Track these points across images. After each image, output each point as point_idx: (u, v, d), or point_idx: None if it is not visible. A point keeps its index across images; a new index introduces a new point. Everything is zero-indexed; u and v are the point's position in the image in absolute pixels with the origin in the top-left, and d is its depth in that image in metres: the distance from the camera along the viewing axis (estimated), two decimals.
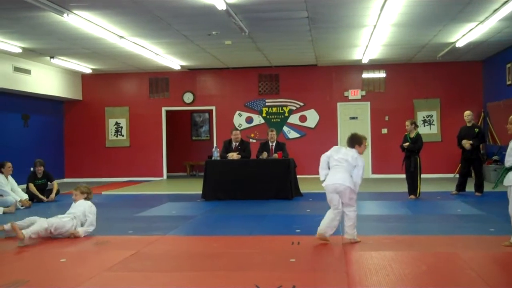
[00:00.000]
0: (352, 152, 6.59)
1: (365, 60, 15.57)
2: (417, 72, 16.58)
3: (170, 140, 18.44)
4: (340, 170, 6.48)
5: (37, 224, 6.86)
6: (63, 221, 7.05)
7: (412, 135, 10.92)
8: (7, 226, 7.01)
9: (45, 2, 8.74)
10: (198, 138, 19.74)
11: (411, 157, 10.87)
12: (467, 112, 11.62)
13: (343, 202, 6.46)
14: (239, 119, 17.29)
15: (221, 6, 9.11)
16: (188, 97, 17.56)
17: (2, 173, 10.86)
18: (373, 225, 7.94)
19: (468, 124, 11.52)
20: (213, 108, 17.58)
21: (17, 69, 14.20)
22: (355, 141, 6.71)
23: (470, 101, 16.03)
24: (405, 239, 6.70)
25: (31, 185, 11.54)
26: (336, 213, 6.48)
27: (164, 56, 14.63)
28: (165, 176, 17.72)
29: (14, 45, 12.51)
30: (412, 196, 10.84)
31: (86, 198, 7.54)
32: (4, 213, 9.86)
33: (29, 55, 13.88)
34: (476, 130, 11.37)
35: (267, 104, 17.25)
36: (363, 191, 12.47)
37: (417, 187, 10.84)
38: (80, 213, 7.27)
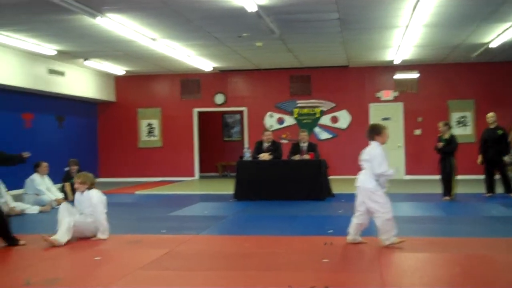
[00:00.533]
0: (369, 148, 6.34)
1: (397, 61, 15.44)
2: (451, 73, 16.37)
3: (202, 141, 18.55)
4: (362, 172, 6.34)
5: (64, 224, 6.83)
6: (87, 222, 7.03)
7: (446, 136, 10.78)
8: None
9: (79, 5, 8.87)
10: (229, 139, 19.81)
11: (446, 158, 10.73)
12: (490, 114, 11.41)
13: (368, 207, 6.24)
14: (270, 120, 17.30)
15: (251, 8, 9.13)
16: (219, 99, 17.64)
17: (38, 172, 11.05)
18: (407, 227, 7.84)
19: (491, 126, 11.32)
20: (245, 109, 17.63)
21: (51, 71, 14.46)
22: (373, 131, 6.44)
23: (505, 102, 15.77)
24: (439, 240, 6.62)
25: (67, 184, 11.72)
26: (359, 218, 6.31)
27: (196, 58, 14.72)
28: (197, 176, 17.83)
29: (49, 48, 12.75)
30: (447, 198, 10.70)
31: (89, 188, 7.21)
32: (40, 212, 10.04)
33: (63, 57, 14.11)
34: (500, 132, 11.14)
35: (298, 105, 17.22)
36: (397, 192, 12.37)
37: (452, 189, 10.69)
38: (93, 207, 7.09)
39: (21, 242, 6.79)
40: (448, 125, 10.98)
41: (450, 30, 11.70)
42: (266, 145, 11.85)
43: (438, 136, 11.01)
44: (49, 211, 10.17)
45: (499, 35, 11.99)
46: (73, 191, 11.61)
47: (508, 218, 8.37)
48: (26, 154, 7.39)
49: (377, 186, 6.19)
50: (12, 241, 6.75)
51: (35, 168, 11.08)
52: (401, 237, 6.29)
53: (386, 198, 6.26)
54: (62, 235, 6.70)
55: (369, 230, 7.53)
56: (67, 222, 6.82)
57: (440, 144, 10.69)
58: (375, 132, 6.40)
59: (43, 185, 10.92)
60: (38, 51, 12.92)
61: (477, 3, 9.59)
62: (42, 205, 10.30)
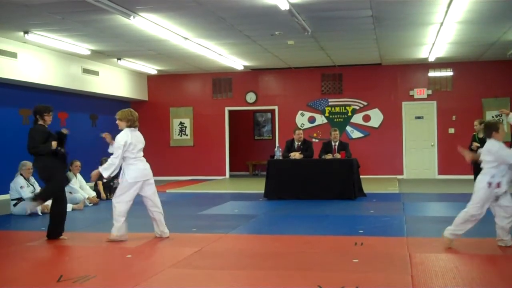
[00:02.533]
0: (487, 146, 6.15)
1: (431, 59, 15.23)
2: (486, 70, 16.08)
3: (233, 140, 18.60)
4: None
5: (115, 215, 6.87)
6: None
7: (481, 135, 10.59)
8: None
9: (113, 5, 8.98)
10: (260, 137, 19.82)
11: None
12: None
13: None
14: (302, 119, 17.25)
15: (284, 6, 9.11)
16: (250, 97, 17.66)
17: (71, 171, 11.20)
18: (440, 227, 7.71)
19: None
20: (276, 108, 17.61)
21: (85, 71, 14.67)
22: (491, 128, 6.23)
23: None
24: (472, 241, 6.49)
25: (99, 183, 11.86)
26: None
27: (227, 57, 14.76)
28: (227, 175, 17.89)
29: (83, 47, 12.93)
30: None
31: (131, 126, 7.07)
32: (73, 209, 10.18)
33: (97, 57, 14.30)
34: None
35: (330, 103, 17.13)
36: (429, 192, 12.23)
37: None
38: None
39: (64, 236, 6.99)
40: (484, 124, 10.78)
41: (485, 27, 11.49)
42: (297, 144, 11.81)
43: (472, 134, 10.83)
44: (82, 209, 10.33)
45: None
46: (105, 189, 11.86)
47: None
48: (65, 131, 7.54)
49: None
50: (55, 235, 6.95)
51: (68, 166, 11.23)
52: (433, 237, 6.18)
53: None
54: (116, 229, 6.82)
55: (397, 230, 7.47)
56: (116, 213, 6.87)
57: (475, 145, 10.47)
58: (493, 129, 6.19)
59: (76, 183, 11.07)
60: (72, 51, 13.12)
61: None
62: (75, 203, 10.44)
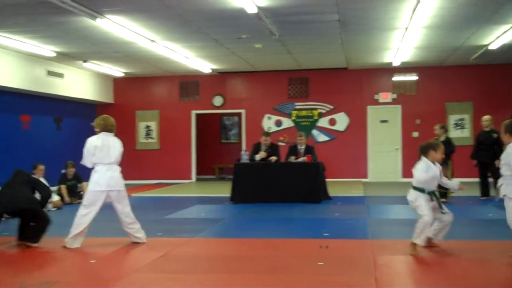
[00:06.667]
0: (506, 152, 6.02)
1: (396, 63, 15.43)
2: (450, 75, 16.37)
3: (200, 143, 18.53)
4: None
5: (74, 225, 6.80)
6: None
7: (442, 139, 10.78)
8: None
9: (79, 6, 8.86)
10: (227, 141, 19.80)
11: (443, 161, 10.69)
12: (485, 117, 11.38)
13: None
14: (268, 122, 17.29)
15: (251, 9, 9.13)
16: (218, 100, 17.64)
17: (35, 175, 11.01)
18: (403, 229, 7.83)
19: (486, 129, 11.32)
20: (243, 111, 17.62)
21: (50, 73, 14.45)
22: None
23: (503, 105, 15.74)
24: (435, 243, 6.60)
25: (63, 187, 11.71)
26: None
27: (195, 60, 14.72)
28: (194, 179, 17.82)
29: (48, 49, 12.73)
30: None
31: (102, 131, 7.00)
32: None
33: (62, 59, 14.11)
34: (495, 135, 11.11)
35: (296, 107, 17.21)
36: (393, 195, 12.37)
37: (448, 191, 10.67)
38: None
39: (34, 245, 6.77)
40: (444, 128, 10.98)
41: (450, 32, 11.69)
42: (264, 148, 11.84)
43: (434, 139, 10.99)
44: None
45: (498, 37, 11.99)
46: (69, 193, 11.70)
47: (504, 221, 8.33)
48: None
49: None
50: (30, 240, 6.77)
51: (32, 170, 11.05)
52: (397, 240, 6.26)
53: None
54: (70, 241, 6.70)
55: (362, 233, 7.55)
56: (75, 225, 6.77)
57: None
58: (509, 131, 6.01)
59: None
60: (37, 53, 12.91)
61: (477, 5, 9.57)
62: None
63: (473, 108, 16.18)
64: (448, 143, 10.63)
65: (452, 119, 16.35)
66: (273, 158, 11.58)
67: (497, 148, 10.95)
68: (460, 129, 16.26)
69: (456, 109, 16.35)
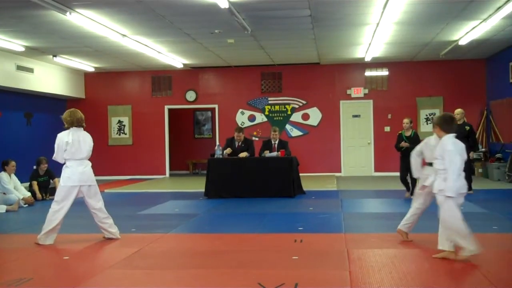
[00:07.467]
0: None
1: (368, 58, 15.56)
2: (420, 70, 16.57)
3: (173, 138, 18.45)
4: None
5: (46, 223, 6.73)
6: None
7: (408, 133, 10.89)
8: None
9: (48, 0, 8.73)
10: (200, 136, 19.74)
11: (409, 156, 10.79)
12: (457, 110, 11.50)
13: None
14: (242, 117, 17.29)
15: (223, 4, 9.11)
16: (190, 96, 17.58)
17: (6, 171, 10.87)
18: (376, 223, 7.95)
19: (459, 122, 11.46)
20: (216, 106, 17.59)
21: (20, 68, 14.22)
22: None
23: (473, 99, 16.03)
24: (412, 236, 6.68)
25: (34, 183, 11.55)
26: None
27: (167, 55, 14.63)
28: (167, 174, 17.74)
29: (17, 44, 12.53)
30: (408, 194, 10.75)
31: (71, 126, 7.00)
32: (7, 211, 9.89)
33: (32, 53, 13.90)
34: (467, 128, 11.27)
35: (269, 102, 17.24)
36: (366, 189, 12.49)
37: (414, 186, 10.77)
38: None
39: None
40: (411, 123, 11.11)
41: (421, 28, 11.83)
42: (238, 143, 11.85)
43: (398, 133, 11.11)
44: (17, 210, 10.03)
45: (467, 32, 12.16)
46: (41, 189, 11.56)
47: (475, 214, 8.50)
48: None
49: None
50: None
51: (2, 166, 10.90)
52: (370, 233, 6.32)
53: None
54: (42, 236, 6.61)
55: (335, 227, 7.62)
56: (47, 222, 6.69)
57: (406, 144, 10.67)
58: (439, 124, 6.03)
59: (10, 183, 10.75)
60: (6, 47, 12.68)
61: (446, 1, 9.68)
62: (9, 204, 10.13)
63: (444, 103, 16.40)
64: (416, 138, 10.70)
65: (423, 113, 16.56)
66: (243, 155, 11.59)
67: (471, 141, 11.15)
68: (431, 123, 16.47)
69: (426, 103, 16.56)
